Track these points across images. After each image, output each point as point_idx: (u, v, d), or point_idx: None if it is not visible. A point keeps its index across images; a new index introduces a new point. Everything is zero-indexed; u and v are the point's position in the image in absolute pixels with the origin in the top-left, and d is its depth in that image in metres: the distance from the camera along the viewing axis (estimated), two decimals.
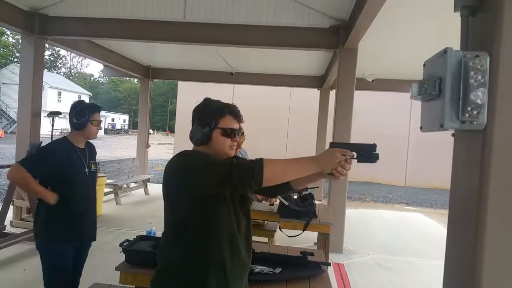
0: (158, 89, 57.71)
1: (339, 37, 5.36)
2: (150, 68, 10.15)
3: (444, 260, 1.27)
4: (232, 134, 1.56)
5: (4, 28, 28.58)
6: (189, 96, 11.16)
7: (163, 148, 26.99)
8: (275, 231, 4.41)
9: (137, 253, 2.28)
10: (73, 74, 66.36)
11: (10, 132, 30.57)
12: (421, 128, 1.24)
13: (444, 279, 1.27)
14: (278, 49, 6.35)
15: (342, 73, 5.45)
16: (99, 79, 72.44)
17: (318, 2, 5.25)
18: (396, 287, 4.37)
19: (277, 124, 14.92)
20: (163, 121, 61.66)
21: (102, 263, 4.05)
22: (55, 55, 60.92)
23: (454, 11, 1.18)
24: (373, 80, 8.96)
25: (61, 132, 28.58)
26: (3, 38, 44.17)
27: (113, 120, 51.26)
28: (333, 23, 5.41)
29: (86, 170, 2.58)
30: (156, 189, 8.98)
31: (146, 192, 9.19)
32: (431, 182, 14.09)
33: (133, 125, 54.45)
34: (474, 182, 1.09)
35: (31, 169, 2.33)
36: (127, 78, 51.85)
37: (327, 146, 1.54)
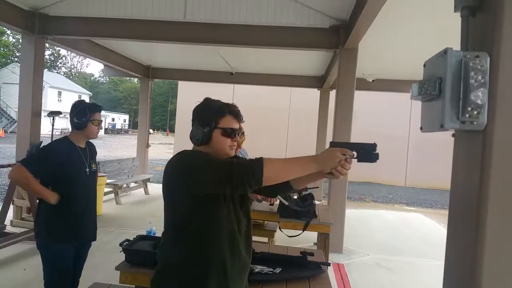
0: (158, 89, 57.73)
1: (339, 37, 5.36)
2: (150, 67, 10.16)
3: (444, 260, 1.27)
4: (232, 134, 1.56)
5: (4, 28, 28.60)
6: (189, 96, 11.18)
7: (163, 148, 26.99)
8: (275, 231, 4.41)
9: (137, 252, 2.28)
10: (73, 73, 66.41)
11: (11, 132, 30.60)
12: (421, 128, 1.24)
13: (444, 279, 1.27)
14: (278, 49, 6.35)
15: (342, 73, 5.44)
16: (99, 78, 72.51)
17: (318, 2, 5.25)
18: (396, 287, 4.37)
19: (277, 124, 14.92)
20: (163, 121, 61.67)
21: (102, 263, 4.05)
22: (55, 54, 60.95)
23: (455, 11, 1.18)
24: (373, 80, 8.96)
25: (61, 132, 28.62)
26: (3, 38, 44.17)
27: (113, 120, 51.26)
28: (333, 23, 5.41)
29: (87, 170, 2.58)
30: (156, 189, 8.98)
31: (146, 192, 9.19)
32: (431, 182, 14.09)
33: (133, 125, 54.47)
34: (474, 182, 1.09)
35: (32, 169, 2.34)
36: (127, 78, 51.85)
37: (327, 146, 1.54)
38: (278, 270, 2.20)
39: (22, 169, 2.32)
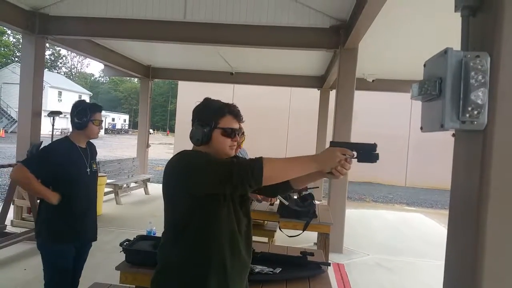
0: (158, 89, 57.73)
1: (339, 37, 5.36)
2: (150, 67, 10.16)
3: (444, 260, 1.27)
4: (232, 134, 1.56)
5: (4, 28, 28.61)
6: (189, 96, 11.16)
7: (163, 148, 26.99)
8: (275, 231, 4.41)
9: (137, 252, 2.28)
10: (73, 73, 66.44)
11: (11, 132, 30.61)
12: (421, 128, 1.24)
13: (444, 279, 1.27)
14: (278, 49, 6.35)
15: (342, 73, 5.44)
16: (100, 78, 72.50)
17: (319, 2, 5.25)
18: (396, 287, 4.36)
19: (277, 124, 14.92)
20: (163, 121, 61.67)
21: (102, 263, 4.05)
22: (56, 54, 60.98)
23: (455, 11, 1.18)
24: (373, 80, 8.96)
25: (61, 132, 28.63)
26: (3, 38, 44.19)
27: (113, 120, 51.26)
28: (334, 23, 5.41)
29: (88, 170, 2.58)
30: (156, 189, 8.98)
31: (146, 192, 9.19)
32: (431, 182, 14.09)
33: (133, 125, 54.47)
34: (474, 182, 1.09)
35: (33, 169, 2.34)
36: (128, 78, 51.85)
37: (327, 146, 1.54)
38: (278, 270, 2.20)
39: (23, 169, 2.32)
